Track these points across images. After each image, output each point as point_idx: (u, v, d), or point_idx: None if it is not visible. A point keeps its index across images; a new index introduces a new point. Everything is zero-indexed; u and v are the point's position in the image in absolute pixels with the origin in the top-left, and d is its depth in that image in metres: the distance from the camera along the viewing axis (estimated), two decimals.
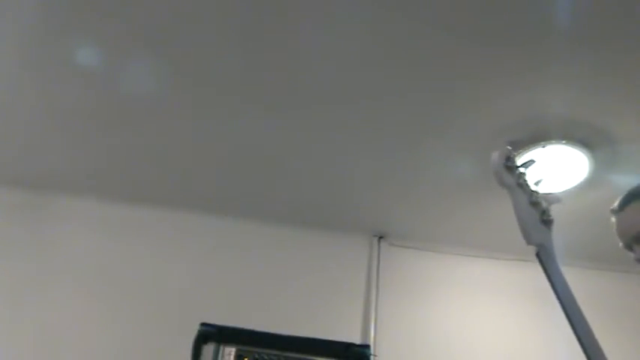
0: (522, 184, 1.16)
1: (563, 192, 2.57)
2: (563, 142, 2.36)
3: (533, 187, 1.19)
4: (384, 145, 2.51)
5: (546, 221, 1.18)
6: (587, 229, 2.68)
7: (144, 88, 2.33)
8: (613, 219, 1.45)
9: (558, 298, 1.08)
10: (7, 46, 2.20)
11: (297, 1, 1.95)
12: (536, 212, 1.17)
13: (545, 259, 1.12)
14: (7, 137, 2.65)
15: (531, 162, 1.24)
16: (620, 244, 1.44)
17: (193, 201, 2.92)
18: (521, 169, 1.18)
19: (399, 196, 2.79)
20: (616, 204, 1.45)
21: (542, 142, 2.36)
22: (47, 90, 2.38)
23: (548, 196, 1.20)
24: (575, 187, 2.55)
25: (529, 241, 1.12)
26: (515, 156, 1.19)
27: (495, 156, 1.17)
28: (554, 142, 2.36)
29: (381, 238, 3.02)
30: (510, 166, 1.16)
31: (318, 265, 2.94)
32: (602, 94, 2.17)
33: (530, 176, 1.21)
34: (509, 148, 1.19)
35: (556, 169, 2.45)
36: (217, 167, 2.73)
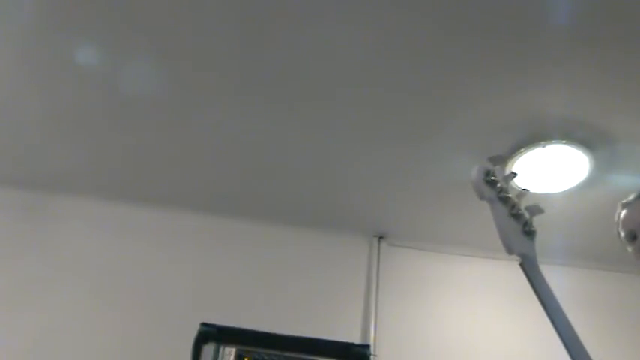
0: (503, 198, 1.19)
1: (563, 192, 2.57)
2: (563, 142, 2.36)
3: (515, 200, 1.21)
4: (384, 145, 2.51)
5: (529, 232, 1.20)
6: (587, 229, 2.69)
7: (144, 88, 2.33)
8: (623, 211, 1.46)
9: (544, 307, 1.10)
10: (7, 46, 2.21)
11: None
12: (518, 224, 1.20)
13: (529, 269, 1.14)
14: (7, 137, 2.65)
15: (513, 175, 1.27)
16: (622, 234, 1.45)
17: (193, 201, 2.92)
18: (502, 184, 1.20)
19: (399, 196, 2.78)
20: (631, 197, 1.48)
21: (542, 142, 2.36)
22: (47, 90, 2.38)
23: (530, 208, 1.23)
24: (575, 187, 2.55)
25: (510, 252, 1.15)
26: (495, 170, 1.21)
27: (474, 171, 1.20)
28: (554, 142, 2.36)
29: (381, 238, 3.02)
30: (490, 181, 1.19)
31: (318, 265, 2.93)
32: (602, 94, 2.17)
33: (513, 189, 1.23)
34: (488, 162, 1.22)
35: (556, 169, 2.46)
36: (217, 167, 2.73)
